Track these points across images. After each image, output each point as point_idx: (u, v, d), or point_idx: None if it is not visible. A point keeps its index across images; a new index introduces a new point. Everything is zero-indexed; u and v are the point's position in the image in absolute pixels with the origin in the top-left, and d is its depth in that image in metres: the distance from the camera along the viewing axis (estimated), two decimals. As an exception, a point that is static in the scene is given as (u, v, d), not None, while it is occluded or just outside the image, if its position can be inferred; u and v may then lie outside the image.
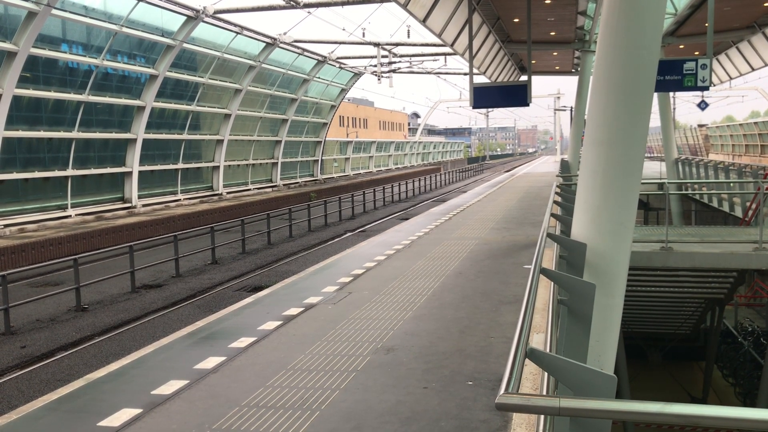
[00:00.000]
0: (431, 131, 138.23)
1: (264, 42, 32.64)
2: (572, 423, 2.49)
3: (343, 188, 42.18)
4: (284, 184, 40.62)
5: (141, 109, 26.46)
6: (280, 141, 39.60)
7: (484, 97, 15.79)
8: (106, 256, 19.07)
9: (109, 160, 25.89)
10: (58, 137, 23.10)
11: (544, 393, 3.18)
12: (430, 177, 53.49)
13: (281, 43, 33.18)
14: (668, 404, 1.88)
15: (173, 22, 26.29)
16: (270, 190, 38.30)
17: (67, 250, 19.56)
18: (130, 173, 26.58)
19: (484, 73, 25.81)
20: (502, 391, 2.00)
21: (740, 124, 47.58)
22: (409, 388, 5.34)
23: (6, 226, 20.63)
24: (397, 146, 70.60)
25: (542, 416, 2.89)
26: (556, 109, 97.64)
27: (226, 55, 30.48)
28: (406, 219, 23.59)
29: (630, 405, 1.98)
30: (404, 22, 33.20)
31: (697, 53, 25.89)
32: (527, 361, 2.47)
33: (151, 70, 26.44)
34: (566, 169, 25.24)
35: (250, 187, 36.89)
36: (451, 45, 19.07)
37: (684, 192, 24.41)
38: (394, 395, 5.21)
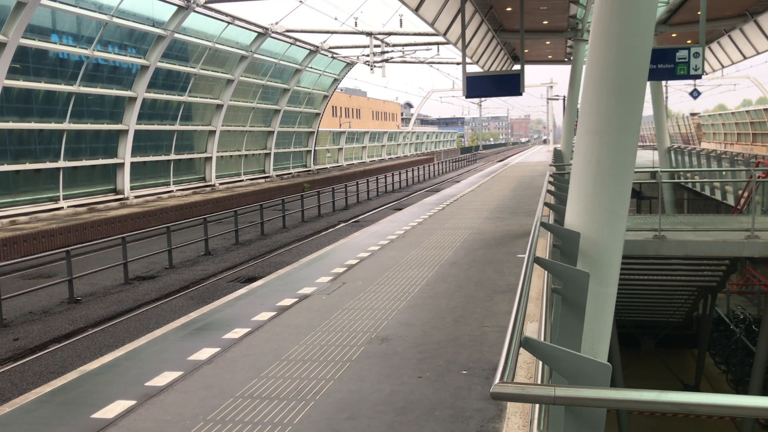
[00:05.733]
0: (424, 121, 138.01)
1: (256, 32, 32.46)
2: (567, 411, 2.49)
3: (336, 179, 42.11)
4: (277, 175, 40.52)
5: (132, 100, 26.31)
6: (273, 131, 39.47)
7: (477, 87, 15.76)
8: (98, 248, 19.00)
9: (100, 152, 25.75)
10: (49, 128, 22.95)
11: (539, 382, 3.18)
12: (424, 167, 53.45)
13: (273, 32, 33.00)
14: (663, 392, 1.88)
15: (164, 11, 26.10)
16: (263, 180, 38.20)
17: (59, 242, 19.47)
18: (122, 164, 26.45)
19: (477, 62, 25.74)
20: (497, 380, 1.99)
21: (732, 113, 47.72)
22: (403, 378, 5.35)
23: (-3, 218, 20.52)
24: (390, 136, 70.50)
25: (537, 405, 2.89)
26: (548, 99, 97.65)
27: (217, 45, 30.31)
28: (400, 209, 23.59)
29: (625, 393, 1.98)
30: (397, 11, 33.17)
31: (689, 42, 25.88)
32: (521, 350, 2.46)
33: (142, 61, 26.26)
34: (559, 158, 25.27)
35: (243, 177, 36.79)
36: (444, 34, 19.00)
37: (677, 181, 24.48)
38: (389, 385, 5.21)
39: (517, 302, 2.76)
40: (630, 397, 1.96)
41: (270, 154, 39.64)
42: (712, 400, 1.89)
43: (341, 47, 40.58)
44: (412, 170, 49.16)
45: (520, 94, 15.69)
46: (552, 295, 4.53)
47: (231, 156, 35.72)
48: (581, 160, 5.58)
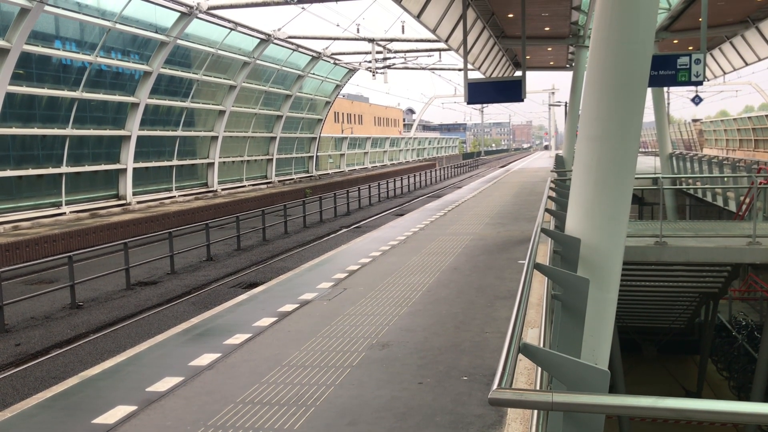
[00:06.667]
0: (426, 127, 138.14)
1: (258, 38, 32.56)
2: (566, 417, 2.50)
3: (338, 184, 42.14)
4: (279, 181, 40.57)
5: (135, 105, 26.38)
6: (275, 137, 39.53)
7: (479, 93, 15.78)
8: (100, 254, 19.01)
9: (103, 157, 25.81)
10: (52, 134, 23.02)
11: (538, 388, 3.19)
12: (426, 173, 53.49)
13: (275, 39, 33.10)
14: (660, 398, 1.89)
15: (167, 18, 26.20)
16: (265, 186, 38.25)
17: (61, 248, 19.50)
18: (124, 170, 26.51)
19: (479, 68, 25.80)
20: (495, 386, 2.00)
21: (734, 119, 47.66)
22: (404, 384, 5.34)
23: (0, 223, 20.55)
24: (392, 142, 70.60)
25: (536, 411, 2.90)
26: (550, 105, 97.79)
27: (220, 52, 30.40)
28: (402, 215, 23.58)
29: (622, 399, 1.98)
30: (399, 17, 33.28)
31: (691, 48, 25.93)
32: (524, 356, 2.47)
33: (145, 67, 26.35)
34: (561, 165, 25.29)
35: (245, 183, 36.84)
36: (446, 41, 19.05)
37: (678, 187, 24.47)
38: (389, 391, 5.21)
39: (516, 309, 2.77)
40: (627, 403, 1.97)
41: (272, 159, 39.70)
42: (710, 407, 1.90)
43: (343, 53, 40.67)
44: (414, 176, 49.19)
45: (522, 101, 15.71)
46: (552, 301, 4.54)
47: (233, 162, 35.79)
48: (581, 167, 5.60)
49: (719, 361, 17.42)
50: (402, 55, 39.89)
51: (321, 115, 45.68)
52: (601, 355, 5.44)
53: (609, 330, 5.53)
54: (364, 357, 6.05)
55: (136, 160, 27.03)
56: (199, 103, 31.23)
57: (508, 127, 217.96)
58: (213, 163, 33.22)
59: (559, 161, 28.44)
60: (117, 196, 26.54)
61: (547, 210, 8.30)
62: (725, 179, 19.76)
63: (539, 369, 3.34)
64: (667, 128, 29.14)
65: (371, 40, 35.73)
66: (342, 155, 54.29)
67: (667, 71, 14.01)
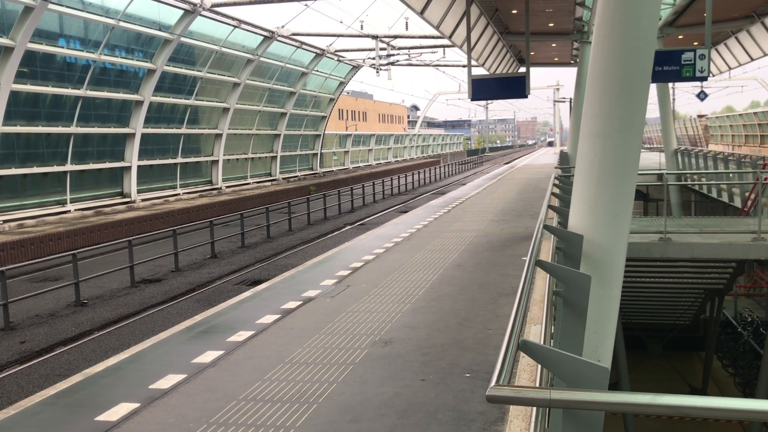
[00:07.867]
0: (431, 124, 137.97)
1: (262, 35, 32.55)
2: (565, 414, 2.49)
3: (342, 181, 42.13)
4: (283, 178, 40.59)
5: (139, 103, 26.42)
6: (279, 134, 39.55)
7: (483, 89, 15.75)
8: (105, 251, 19.06)
9: (107, 155, 25.87)
10: (56, 132, 23.08)
11: (539, 385, 3.18)
12: (430, 169, 53.44)
13: (279, 36, 33.09)
14: (658, 395, 1.88)
15: (170, 15, 26.22)
16: (269, 183, 38.27)
17: (66, 245, 19.55)
18: (128, 168, 26.56)
19: (483, 65, 25.75)
20: (492, 383, 2.00)
21: (740, 115, 47.47)
22: (406, 381, 5.35)
23: (5, 221, 20.62)
24: (397, 139, 70.52)
25: (537, 408, 2.90)
26: (555, 101, 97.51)
27: (224, 49, 30.40)
28: (406, 212, 23.55)
29: (621, 396, 1.98)
30: (402, 14, 33.23)
31: (696, 43, 25.79)
32: (524, 353, 2.46)
33: (148, 65, 26.38)
34: (565, 161, 25.21)
35: (249, 181, 36.88)
36: (449, 37, 19.00)
37: (683, 183, 24.38)
38: (392, 388, 5.21)
39: (516, 306, 2.76)
40: (625, 400, 1.96)
41: (276, 157, 39.72)
42: (708, 403, 1.89)
43: (347, 50, 40.64)
44: (418, 173, 49.15)
45: (526, 97, 15.68)
46: (554, 297, 4.53)
47: (237, 159, 35.82)
48: (584, 163, 5.58)
49: (724, 358, 17.39)
50: (406, 51, 39.84)
51: (325, 112, 45.67)
52: (604, 352, 5.43)
53: (612, 327, 5.52)
54: (366, 354, 6.06)
55: (140, 157, 27.08)
56: (203, 100, 31.25)
57: (513, 123, 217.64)
58: (217, 161, 33.26)
59: (564, 157, 28.38)
60: (121, 194, 26.60)
61: (550, 207, 8.29)
62: (730, 175, 19.69)
63: (540, 366, 3.34)
64: (672, 124, 29.04)
65: (375, 37, 35.70)
66: (346, 152, 54.28)
67: (672, 67, 13.96)
